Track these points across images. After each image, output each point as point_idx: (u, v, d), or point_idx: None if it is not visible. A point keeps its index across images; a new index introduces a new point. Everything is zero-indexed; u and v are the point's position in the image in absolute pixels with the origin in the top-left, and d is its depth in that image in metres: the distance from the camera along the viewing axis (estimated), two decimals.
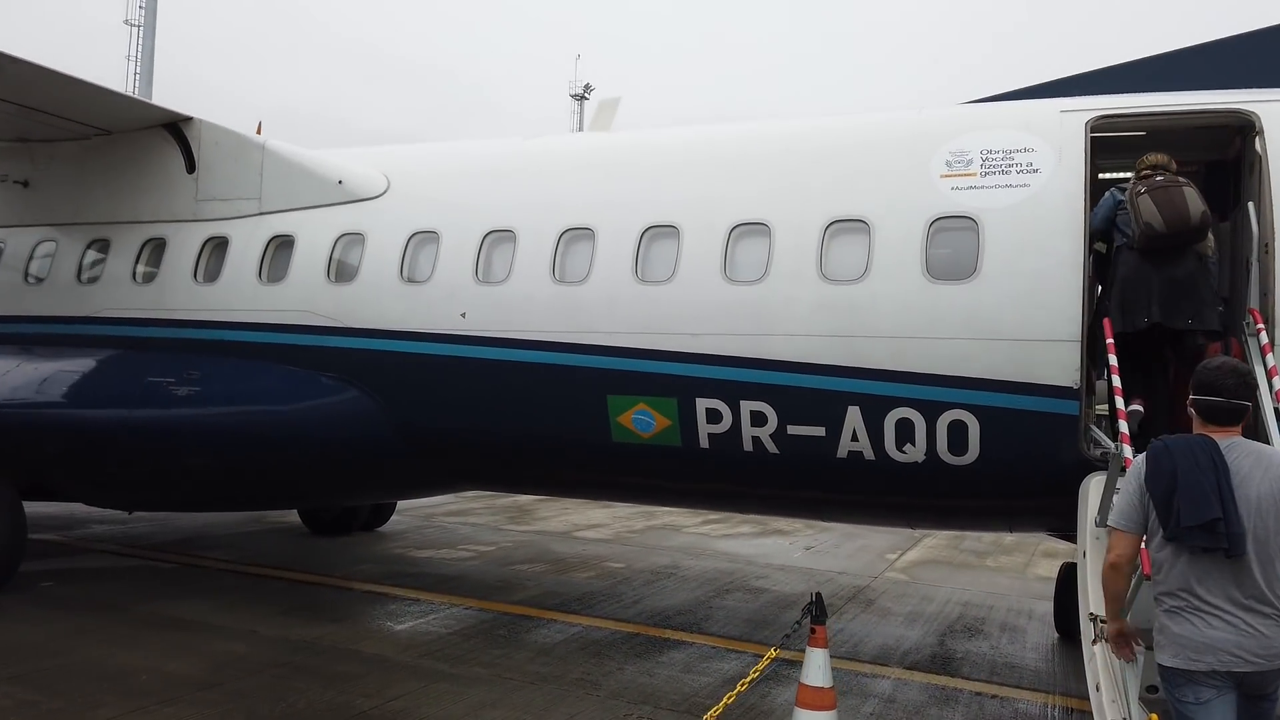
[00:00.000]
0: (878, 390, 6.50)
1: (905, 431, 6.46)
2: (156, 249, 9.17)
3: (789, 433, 6.78)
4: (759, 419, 6.84)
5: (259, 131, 9.57)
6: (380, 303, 8.11)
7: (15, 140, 9.83)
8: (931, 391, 6.37)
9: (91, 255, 9.45)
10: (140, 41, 45.14)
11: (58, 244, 9.64)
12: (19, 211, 9.94)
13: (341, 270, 8.38)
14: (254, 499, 9.68)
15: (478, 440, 7.95)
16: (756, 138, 7.77)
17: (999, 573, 12.00)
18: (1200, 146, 7.10)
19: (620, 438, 7.34)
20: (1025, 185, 6.49)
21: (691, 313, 7.04)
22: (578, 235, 7.63)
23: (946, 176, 6.73)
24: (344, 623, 8.24)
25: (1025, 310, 6.23)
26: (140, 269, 9.19)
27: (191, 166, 9.17)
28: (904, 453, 6.52)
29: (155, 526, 12.51)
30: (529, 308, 7.58)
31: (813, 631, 5.35)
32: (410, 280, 8.08)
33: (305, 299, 8.37)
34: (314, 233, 8.56)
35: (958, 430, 6.35)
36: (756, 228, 7.08)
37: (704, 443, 7.07)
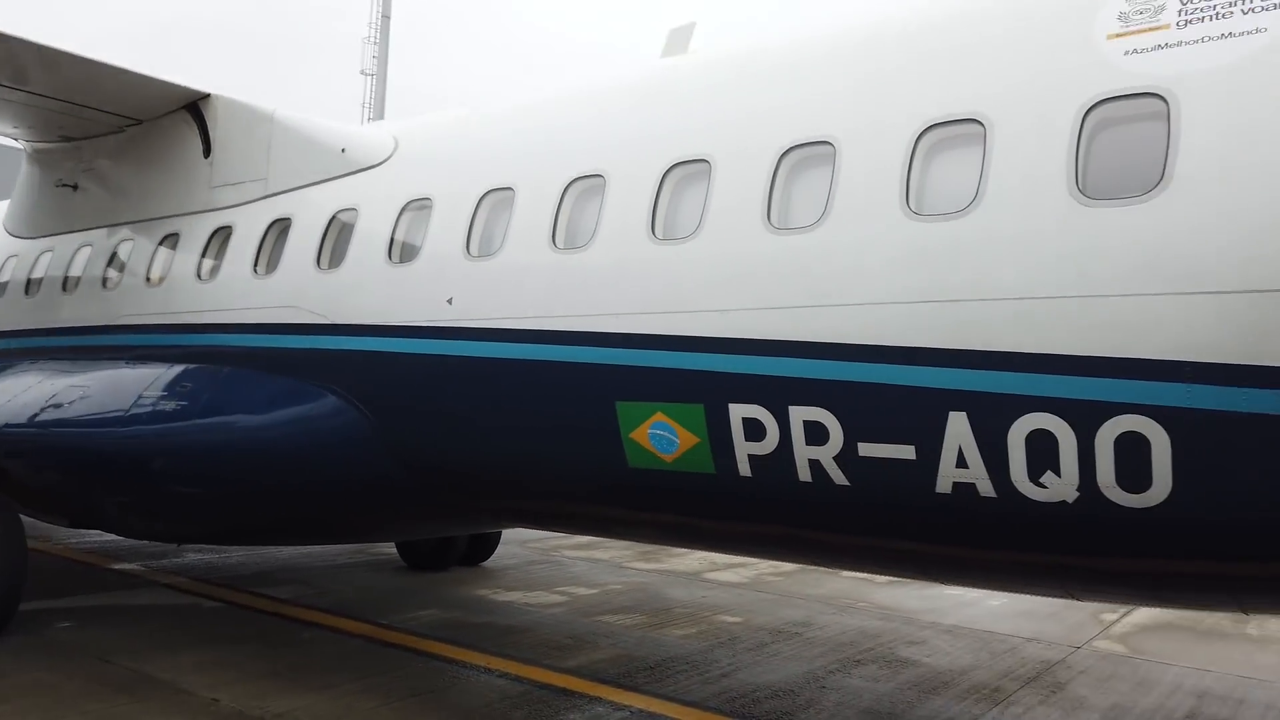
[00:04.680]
0: (997, 386, 4.01)
1: (1043, 452, 3.92)
2: (170, 246, 8.11)
3: (860, 454, 4.40)
4: (816, 434, 4.51)
5: None
6: (365, 291, 6.50)
7: (61, 140, 9.21)
8: (1087, 386, 3.80)
9: (118, 258, 8.56)
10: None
11: (92, 248, 8.85)
12: (68, 218, 9.29)
13: (332, 255, 6.87)
14: (246, 532, 8.24)
15: (472, 465, 6.11)
16: (812, 39, 5.45)
17: (1264, 645, 8.63)
18: None
19: (637, 461, 5.23)
20: (1260, 31, 3.81)
21: (718, 278, 4.84)
22: (588, 187, 5.64)
23: (1118, 37, 4.15)
24: (330, 692, 6.55)
25: (1260, 241, 3.57)
26: (154, 270, 8.16)
27: (208, 150, 8.07)
28: (1043, 486, 3.97)
29: (249, 555, 11.63)
30: (522, 286, 5.66)
31: None
32: (399, 261, 6.41)
33: (293, 292, 6.92)
34: (310, 213, 7.13)
35: (1132, 449, 3.75)
36: (816, 150, 4.78)
37: (744, 469, 4.82)
